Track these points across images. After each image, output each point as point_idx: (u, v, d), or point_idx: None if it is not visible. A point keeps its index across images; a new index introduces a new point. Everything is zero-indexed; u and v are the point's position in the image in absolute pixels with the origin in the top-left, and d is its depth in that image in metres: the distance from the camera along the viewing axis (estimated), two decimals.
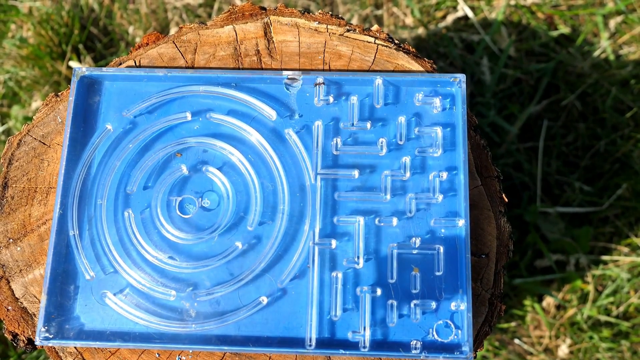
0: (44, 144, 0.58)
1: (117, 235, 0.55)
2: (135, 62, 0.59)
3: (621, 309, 0.98)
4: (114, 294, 0.54)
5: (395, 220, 0.54)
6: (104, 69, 0.57)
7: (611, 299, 0.98)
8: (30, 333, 0.55)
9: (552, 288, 1.00)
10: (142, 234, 0.55)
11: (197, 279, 0.54)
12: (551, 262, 0.99)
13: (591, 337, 0.97)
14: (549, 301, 1.00)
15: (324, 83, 0.56)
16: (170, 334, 0.53)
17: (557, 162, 1.03)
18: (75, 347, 0.54)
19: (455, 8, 1.11)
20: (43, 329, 0.52)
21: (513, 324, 1.00)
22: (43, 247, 0.56)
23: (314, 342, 0.52)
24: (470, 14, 1.09)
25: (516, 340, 0.99)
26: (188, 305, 0.54)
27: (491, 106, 1.04)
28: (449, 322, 0.53)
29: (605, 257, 1.00)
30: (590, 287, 0.99)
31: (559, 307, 1.00)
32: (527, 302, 1.00)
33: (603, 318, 0.98)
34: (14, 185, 0.57)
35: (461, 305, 0.52)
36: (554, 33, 1.08)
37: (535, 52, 1.08)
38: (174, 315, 0.53)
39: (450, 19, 1.10)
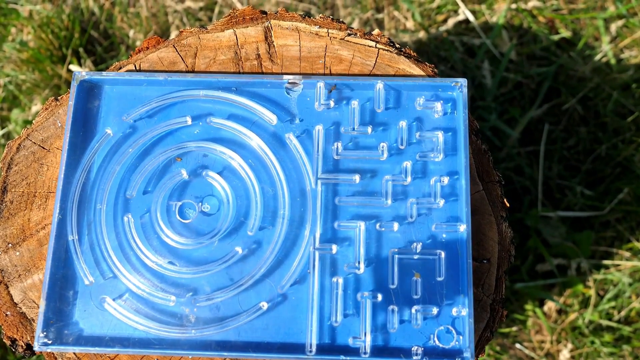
0: (44, 148, 0.58)
1: (117, 240, 0.55)
2: (135, 66, 0.59)
3: (623, 313, 0.98)
4: (113, 299, 0.53)
5: (396, 225, 0.54)
6: (103, 73, 0.57)
7: (613, 303, 0.98)
8: (28, 338, 0.54)
9: (554, 292, 1.00)
10: (141, 238, 0.55)
11: (197, 284, 0.54)
12: (552, 267, 0.99)
13: (593, 342, 0.96)
14: (550, 305, 0.99)
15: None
16: (170, 339, 0.52)
17: (558, 166, 1.03)
18: (74, 353, 0.54)
19: (456, 12, 1.11)
20: (42, 335, 0.52)
21: (514, 328, 1.00)
22: (42, 252, 0.56)
23: (314, 348, 0.52)
24: (471, 17, 1.09)
25: (517, 345, 0.99)
26: (188, 311, 0.53)
27: (492, 110, 1.03)
28: (451, 327, 0.52)
29: (606, 262, 1.00)
30: (591, 292, 0.99)
31: (560, 312, 1.00)
32: (529, 306, 0.99)
33: (605, 323, 0.98)
34: (13, 190, 0.57)
35: (462, 310, 0.52)
36: (555, 37, 1.08)
37: (536, 55, 1.08)
38: (173, 321, 0.53)
39: (451, 22, 1.10)
